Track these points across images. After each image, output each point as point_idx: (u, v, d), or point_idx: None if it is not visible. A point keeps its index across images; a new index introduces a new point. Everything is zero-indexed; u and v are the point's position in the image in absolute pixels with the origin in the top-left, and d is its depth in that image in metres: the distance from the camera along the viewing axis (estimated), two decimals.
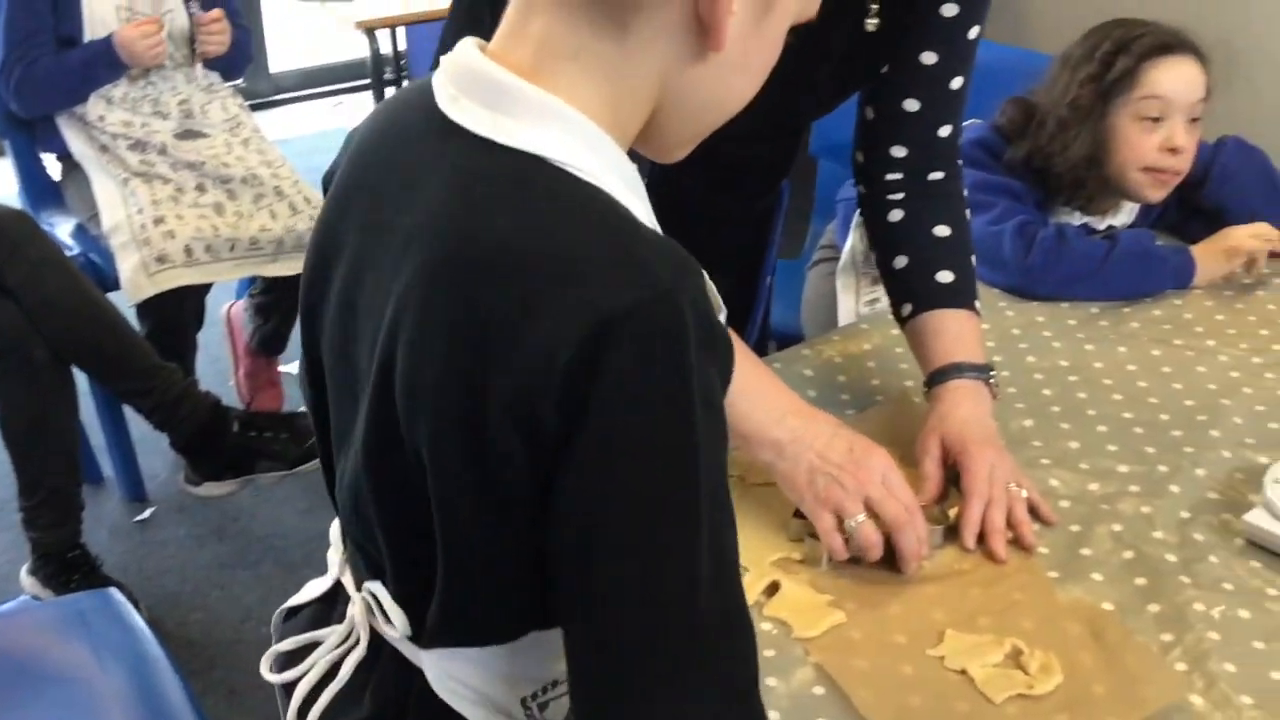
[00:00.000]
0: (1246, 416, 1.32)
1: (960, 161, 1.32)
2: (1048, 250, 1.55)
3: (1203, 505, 1.18)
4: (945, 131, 1.29)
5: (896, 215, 1.31)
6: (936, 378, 1.23)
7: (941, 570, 1.09)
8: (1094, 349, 1.45)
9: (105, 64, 2.27)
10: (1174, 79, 1.59)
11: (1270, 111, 3.03)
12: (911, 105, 1.27)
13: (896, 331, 1.48)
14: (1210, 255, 1.58)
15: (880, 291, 1.86)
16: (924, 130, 1.28)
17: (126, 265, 2.22)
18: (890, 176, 1.31)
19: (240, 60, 2.55)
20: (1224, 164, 1.65)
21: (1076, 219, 1.68)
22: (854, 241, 1.88)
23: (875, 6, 1.17)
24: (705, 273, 0.66)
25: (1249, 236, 1.58)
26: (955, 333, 1.24)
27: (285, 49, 4.58)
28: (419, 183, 0.69)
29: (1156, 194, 1.62)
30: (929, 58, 1.24)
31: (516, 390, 0.63)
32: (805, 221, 2.40)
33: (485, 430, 0.64)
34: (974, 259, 1.29)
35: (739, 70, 0.72)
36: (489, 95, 0.68)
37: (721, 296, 0.69)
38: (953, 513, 1.14)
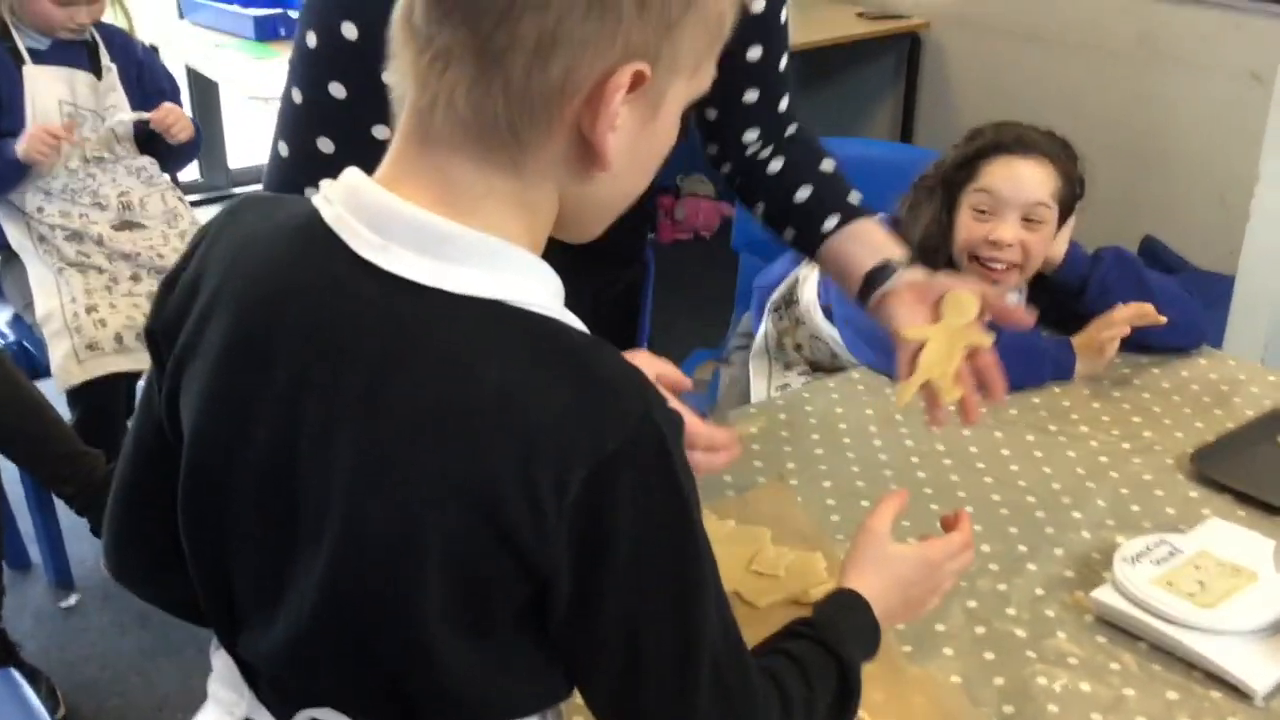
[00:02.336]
0: (1110, 499, 1.37)
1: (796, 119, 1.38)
2: None
3: (1057, 583, 1.23)
4: (784, 105, 1.36)
5: (776, 165, 1.36)
6: (886, 273, 1.24)
7: None
8: (970, 434, 1.50)
9: (11, 160, 2.29)
10: (1006, 178, 1.66)
11: (1191, 209, 3.14)
12: (751, 96, 1.33)
13: (783, 416, 1.54)
14: (1088, 349, 1.64)
15: (791, 376, 1.92)
16: (767, 111, 1.35)
17: (58, 352, 2.26)
18: (750, 151, 1.37)
19: (190, 151, 2.61)
20: (1101, 277, 1.71)
21: None
22: (766, 327, 1.95)
23: None
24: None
25: (1123, 322, 1.63)
26: (885, 235, 1.29)
27: (245, 144, 4.67)
28: (367, 337, 0.69)
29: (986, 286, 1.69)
30: (755, 52, 1.30)
31: (522, 538, 0.68)
32: (729, 312, 2.46)
33: (485, 575, 0.70)
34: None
35: (632, 171, 0.75)
36: (427, 242, 0.69)
37: None
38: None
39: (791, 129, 1.38)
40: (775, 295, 1.92)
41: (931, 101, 3.70)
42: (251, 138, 4.76)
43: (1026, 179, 1.66)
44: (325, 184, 0.74)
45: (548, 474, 0.67)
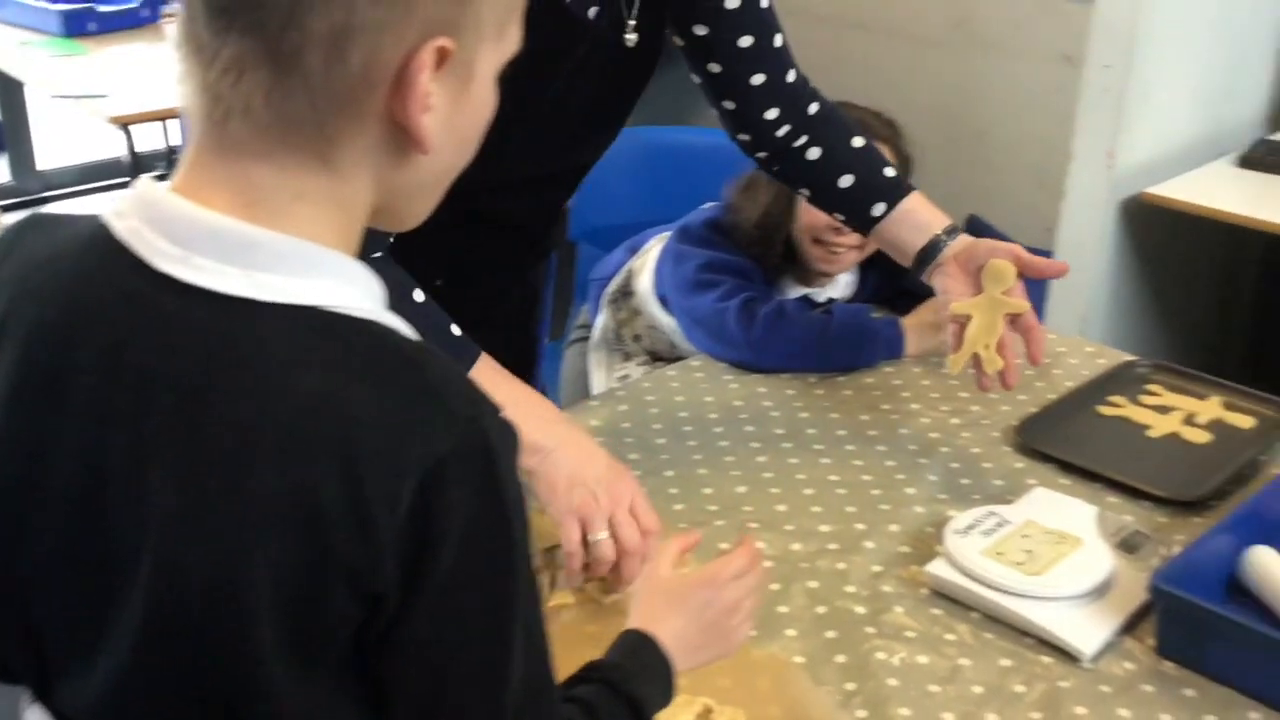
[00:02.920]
0: (941, 474, 1.41)
1: (812, 88, 1.46)
2: (769, 326, 1.62)
3: (894, 559, 1.25)
4: (791, 76, 1.43)
5: (815, 153, 1.45)
6: (949, 234, 1.40)
7: None
8: (808, 416, 1.52)
9: None
10: None
11: (1011, 189, 3.25)
12: (758, 79, 1.40)
13: (624, 408, 1.54)
14: (919, 327, 1.69)
15: (631, 367, 1.92)
16: (777, 88, 1.41)
17: None
18: (780, 133, 1.44)
19: None
20: None
21: (797, 290, 1.77)
22: (604, 319, 1.94)
23: (633, 23, 1.30)
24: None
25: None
26: (928, 207, 1.43)
27: (55, 145, 4.47)
28: (172, 358, 0.65)
29: (828, 268, 1.74)
30: (746, 40, 1.37)
31: (354, 558, 0.64)
32: (568, 304, 2.45)
33: (318, 604, 0.65)
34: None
35: (452, 147, 0.73)
36: (232, 251, 0.65)
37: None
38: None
39: (814, 107, 1.45)
40: (611, 286, 1.91)
41: None
42: (62, 138, 4.56)
43: None
44: (116, 197, 0.70)
45: (377, 487, 0.63)
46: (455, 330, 1.16)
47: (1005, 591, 1.16)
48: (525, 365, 1.65)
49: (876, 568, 1.24)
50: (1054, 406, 1.53)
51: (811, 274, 1.77)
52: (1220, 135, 2.53)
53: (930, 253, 1.39)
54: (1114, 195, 2.34)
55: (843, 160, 1.44)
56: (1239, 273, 2.78)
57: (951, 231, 1.40)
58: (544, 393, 1.73)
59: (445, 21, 0.66)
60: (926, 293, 1.75)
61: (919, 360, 1.67)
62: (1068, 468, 1.41)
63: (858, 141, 1.45)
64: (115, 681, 0.70)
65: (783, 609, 1.17)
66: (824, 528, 1.30)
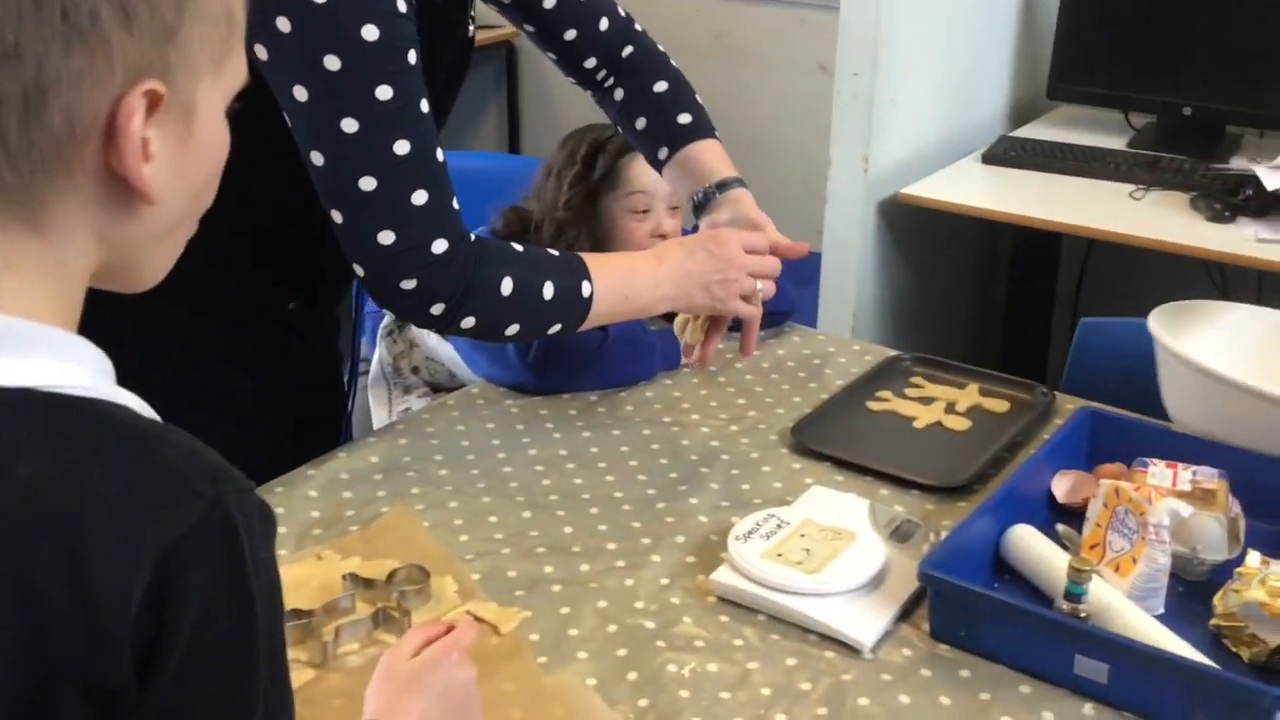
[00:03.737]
0: (723, 481, 1.43)
1: (638, 27, 1.55)
2: (546, 347, 1.63)
3: (681, 570, 1.27)
4: (604, 24, 1.49)
5: (620, 94, 1.54)
6: (720, 188, 1.48)
7: None
8: (591, 435, 1.53)
9: None
10: (649, 172, 1.73)
11: (781, 196, 3.35)
12: (570, 34, 1.48)
13: (404, 441, 1.51)
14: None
15: (412, 400, 1.89)
16: (591, 39, 1.50)
17: None
18: (598, 77, 1.54)
19: None
20: None
21: None
22: (380, 353, 1.91)
23: (473, 15, 1.37)
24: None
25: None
26: (713, 156, 1.51)
27: None
28: None
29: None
30: (550, 2, 1.44)
31: (83, 660, 0.58)
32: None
33: (46, 711, 0.59)
34: (699, 99, 1.55)
35: (185, 192, 0.69)
36: None
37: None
38: None
39: (628, 50, 1.53)
40: (386, 319, 1.88)
41: (533, 111, 3.76)
42: None
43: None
44: None
45: (105, 582, 0.58)
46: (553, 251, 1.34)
47: (786, 591, 1.18)
48: (334, 387, 1.59)
49: (664, 580, 1.25)
50: (825, 406, 1.58)
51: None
52: (965, 134, 2.67)
53: (701, 204, 1.49)
54: (871, 197, 2.44)
55: (641, 102, 1.53)
56: (994, 265, 2.95)
57: (724, 185, 1.48)
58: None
59: (152, 63, 0.63)
60: None
61: (697, 372, 1.70)
62: (841, 464, 1.46)
63: (660, 85, 1.53)
64: None
65: (573, 632, 1.17)
66: (611, 545, 1.31)
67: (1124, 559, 1.21)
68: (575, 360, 1.64)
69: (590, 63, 1.52)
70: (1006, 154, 2.58)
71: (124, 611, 0.58)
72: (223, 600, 0.62)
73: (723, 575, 1.22)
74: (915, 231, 2.57)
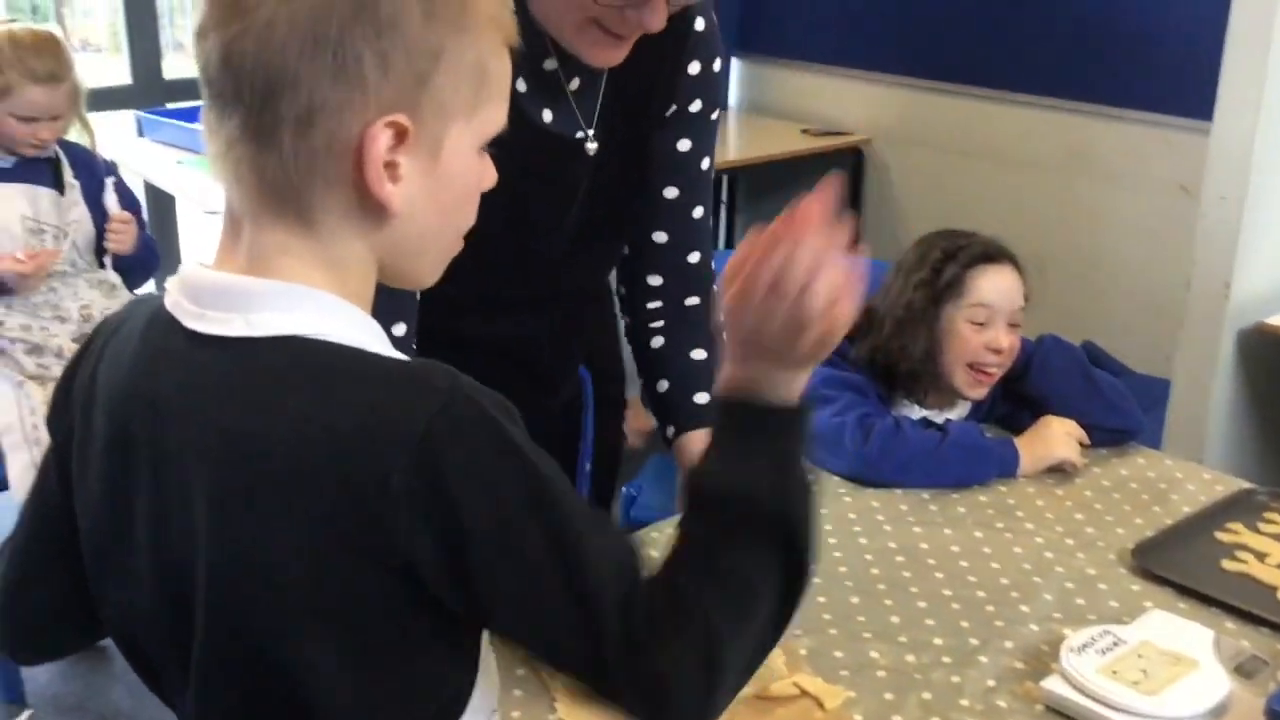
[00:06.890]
0: (1056, 593, 1.42)
1: (715, 288, 1.45)
2: (884, 440, 1.66)
3: (1008, 674, 1.26)
4: (695, 258, 1.46)
5: (658, 342, 1.50)
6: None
7: None
8: (921, 531, 1.55)
9: None
10: (996, 286, 1.76)
11: (1127, 317, 3.25)
12: (660, 237, 1.45)
13: None
14: (1032, 448, 1.71)
15: None
16: (675, 259, 1.46)
17: (16, 464, 2.26)
18: (651, 305, 1.48)
19: (148, 263, 2.65)
20: (1043, 358, 1.81)
21: (916, 412, 1.81)
22: None
23: (591, 131, 1.35)
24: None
25: (1064, 435, 1.71)
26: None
27: (202, 258, 4.72)
28: (204, 401, 0.76)
29: (975, 391, 1.78)
30: (671, 192, 1.42)
31: (374, 542, 0.72)
32: None
33: (359, 594, 0.74)
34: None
35: (433, 212, 0.80)
36: (235, 301, 0.77)
37: None
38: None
39: (693, 300, 1.48)
40: None
41: (876, 214, 3.82)
42: (208, 252, 4.82)
43: (1009, 287, 1.77)
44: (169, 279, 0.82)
45: (364, 472, 0.71)
46: None
47: (1121, 710, 1.16)
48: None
49: (991, 682, 1.25)
50: (1171, 531, 1.54)
51: (928, 395, 1.81)
52: None
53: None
54: (1232, 325, 2.34)
55: (671, 367, 1.49)
56: None
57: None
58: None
59: (401, 102, 0.75)
60: (1039, 404, 1.79)
61: (1033, 480, 1.69)
62: (1185, 592, 1.41)
63: (698, 354, 1.48)
64: (199, 698, 0.81)
65: (897, 718, 1.19)
66: (938, 640, 1.32)
67: None
68: (909, 456, 1.66)
69: (655, 280, 1.48)
70: None
71: (390, 497, 0.71)
72: (492, 466, 0.74)
73: (1054, 684, 1.21)
74: (1273, 362, 2.44)
